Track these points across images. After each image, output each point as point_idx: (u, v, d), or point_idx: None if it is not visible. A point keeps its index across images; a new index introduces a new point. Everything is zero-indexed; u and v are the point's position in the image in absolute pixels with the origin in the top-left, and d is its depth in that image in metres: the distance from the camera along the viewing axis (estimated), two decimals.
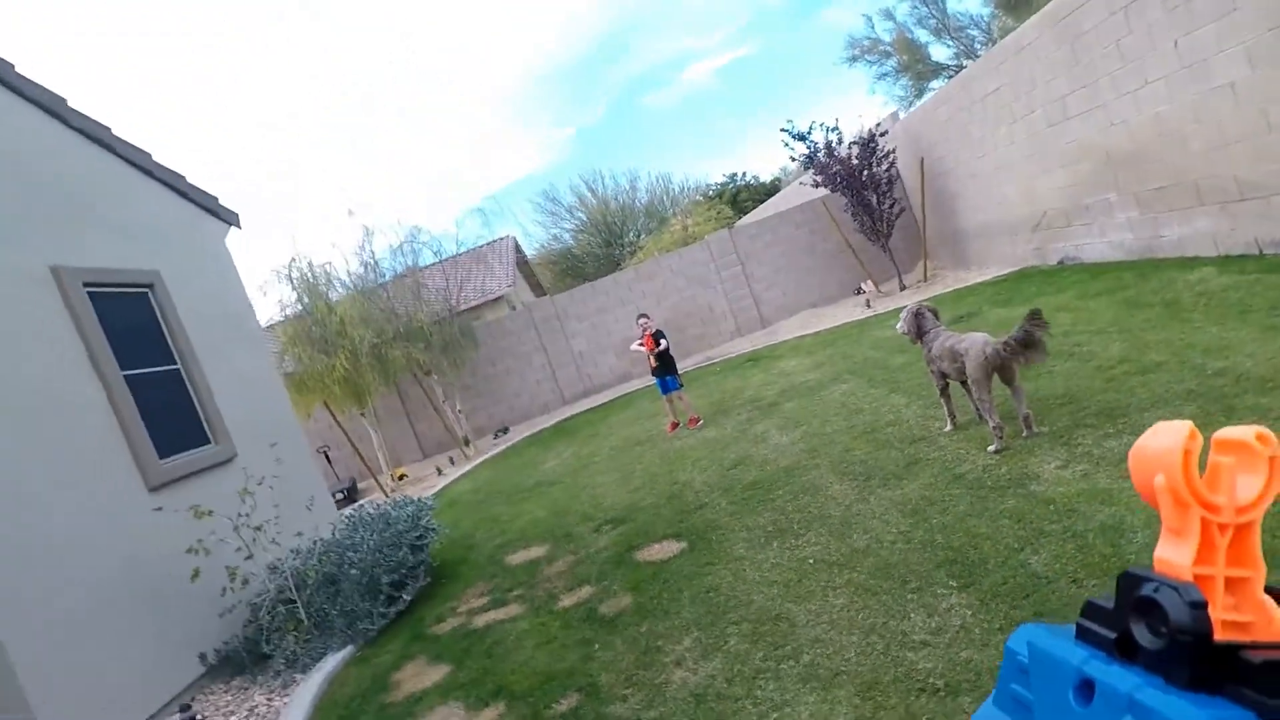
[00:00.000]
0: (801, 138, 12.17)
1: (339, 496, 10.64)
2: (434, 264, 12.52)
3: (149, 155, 5.99)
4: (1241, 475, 0.66)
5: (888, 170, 11.81)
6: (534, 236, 36.23)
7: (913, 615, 2.61)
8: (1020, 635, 0.79)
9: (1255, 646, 0.60)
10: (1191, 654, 0.60)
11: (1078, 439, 3.59)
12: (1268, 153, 5.36)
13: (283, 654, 4.46)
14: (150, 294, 5.44)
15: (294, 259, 10.99)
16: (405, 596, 4.76)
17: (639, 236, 34.20)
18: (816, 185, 12.30)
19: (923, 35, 16.09)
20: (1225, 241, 6.05)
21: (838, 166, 11.72)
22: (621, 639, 3.28)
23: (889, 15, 16.50)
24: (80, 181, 5.18)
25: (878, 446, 4.60)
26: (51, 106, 5.05)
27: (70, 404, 4.37)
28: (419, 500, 5.48)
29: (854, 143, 11.92)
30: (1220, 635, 0.61)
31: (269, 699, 4.12)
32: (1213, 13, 5.41)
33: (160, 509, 4.55)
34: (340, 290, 11.42)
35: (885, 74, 17.00)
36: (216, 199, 6.73)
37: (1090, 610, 0.72)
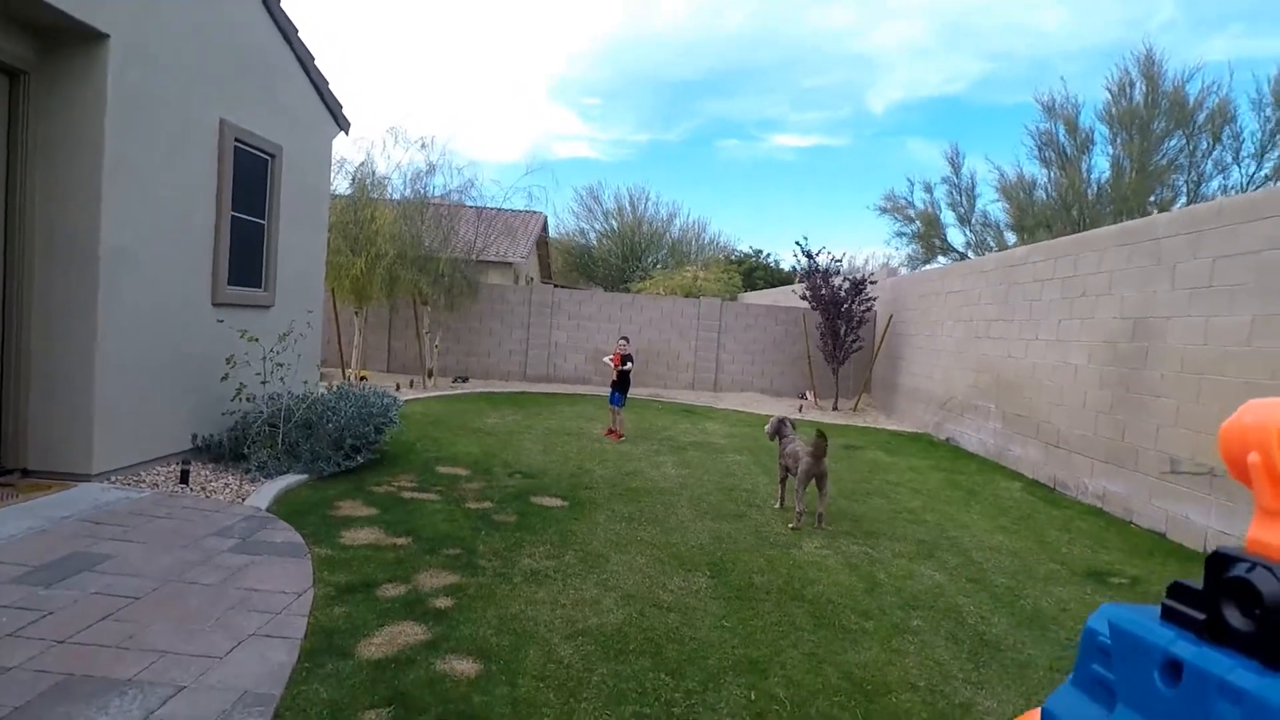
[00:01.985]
0: (809, 256, 14.04)
1: None
2: (470, 207, 14.02)
3: (312, 56, 7.54)
4: None
5: (864, 312, 13.68)
6: (563, 220, 37.80)
7: (675, 578, 4.26)
8: (1100, 615, 0.77)
9: None
10: None
11: (840, 540, 5.30)
12: (1079, 422, 7.24)
13: (256, 460, 5.93)
14: (271, 161, 6.94)
15: (363, 163, 12.50)
16: (359, 459, 6.28)
17: (655, 265, 36.01)
18: (804, 298, 14.14)
19: (948, 217, 18.37)
20: (1039, 471, 7.91)
21: (826, 290, 13.59)
22: (500, 534, 4.87)
23: (928, 189, 18.69)
24: (258, 54, 6.58)
25: (727, 499, 6.28)
26: None
27: (194, 222, 5.87)
28: (394, 396, 7.02)
29: (848, 278, 13.81)
30: None
31: (240, 484, 5.59)
32: (1080, 314, 7.33)
33: (221, 321, 6.06)
34: (386, 203, 12.89)
35: (904, 234, 19.18)
36: (341, 106, 8.28)
37: (1177, 590, 0.70)
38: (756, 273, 33.51)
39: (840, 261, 14.09)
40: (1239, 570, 0.65)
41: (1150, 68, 15.73)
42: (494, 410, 10.63)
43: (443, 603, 3.62)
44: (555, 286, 21.50)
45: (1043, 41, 38.23)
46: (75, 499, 4.59)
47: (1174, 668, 0.66)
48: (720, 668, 3.19)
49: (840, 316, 13.51)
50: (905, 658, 3.45)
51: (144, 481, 5.23)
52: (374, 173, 12.46)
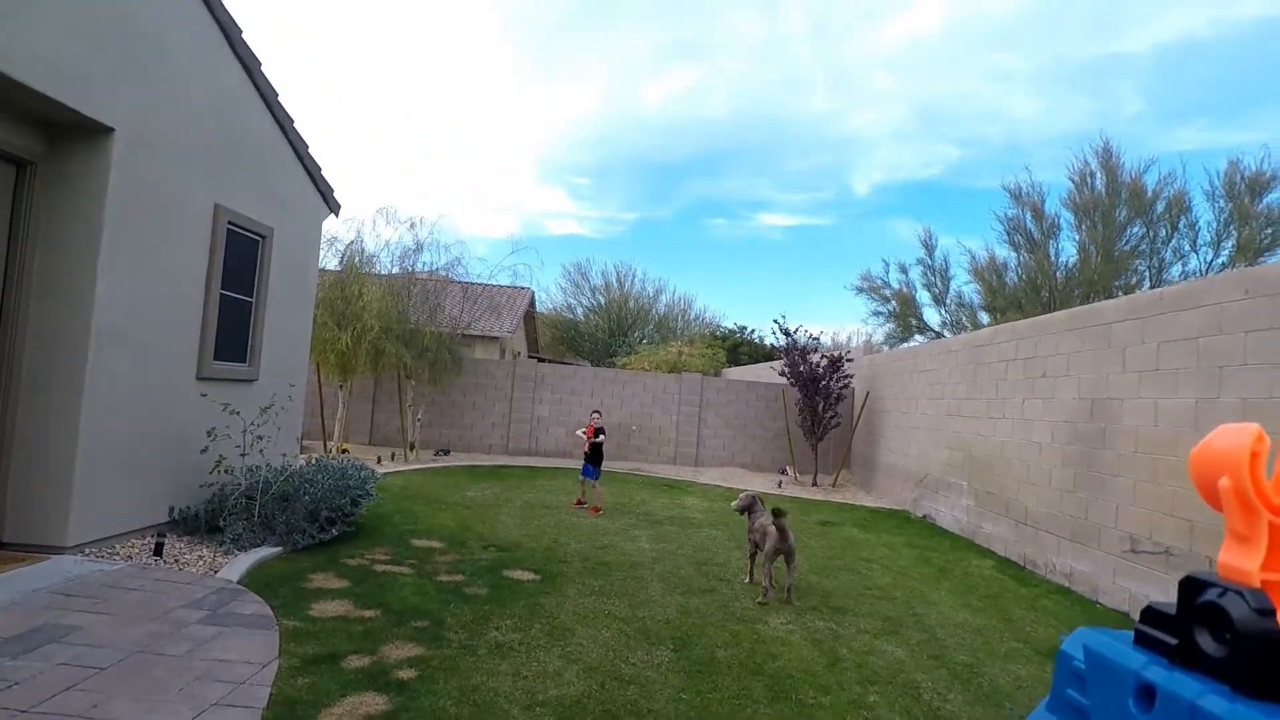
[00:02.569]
0: (787, 333, 14.43)
1: None
2: (457, 283, 14.38)
3: (306, 144, 7.98)
4: None
5: (842, 389, 13.97)
6: (551, 296, 38.54)
7: (639, 651, 4.32)
8: (1075, 639, 0.79)
9: None
10: (1258, 661, 0.58)
11: (806, 615, 5.37)
12: (1045, 500, 7.41)
13: (231, 533, 5.97)
14: (261, 242, 7.25)
15: (352, 242, 12.91)
16: (334, 531, 6.32)
17: (642, 340, 36.52)
18: (783, 375, 14.44)
19: (924, 296, 19.02)
20: (1010, 549, 8.02)
21: (804, 367, 13.91)
22: (469, 607, 4.92)
23: (903, 269, 19.40)
24: (254, 143, 6.99)
25: (698, 573, 6.34)
26: (249, 68, 6.75)
27: (184, 300, 6.10)
28: (372, 470, 7.12)
29: (825, 355, 14.16)
30: None
31: (214, 556, 5.62)
32: (1042, 394, 7.62)
33: (205, 395, 6.22)
34: (374, 279, 13.23)
35: (881, 312, 19.77)
36: (333, 190, 8.69)
37: (1150, 615, 0.72)
38: (741, 348, 33.99)
39: (818, 339, 14.48)
40: (1210, 595, 0.65)
41: (1109, 159, 16.68)
42: (474, 483, 10.67)
43: (406, 674, 3.67)
44: (538, 360, 21.81)
45: (1016, 128, 40.28)
46: (48, 571, 4.63)
47: (1147, 692, 0.65)
48: None
49: (818, 393, 13.78)
50: None
51: (118, 554, 5.26)
52: (363, 250, 12.87)
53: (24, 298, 4.98)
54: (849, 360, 14.23)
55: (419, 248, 13.28)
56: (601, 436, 9.15)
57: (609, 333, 36.98)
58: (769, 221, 61.65)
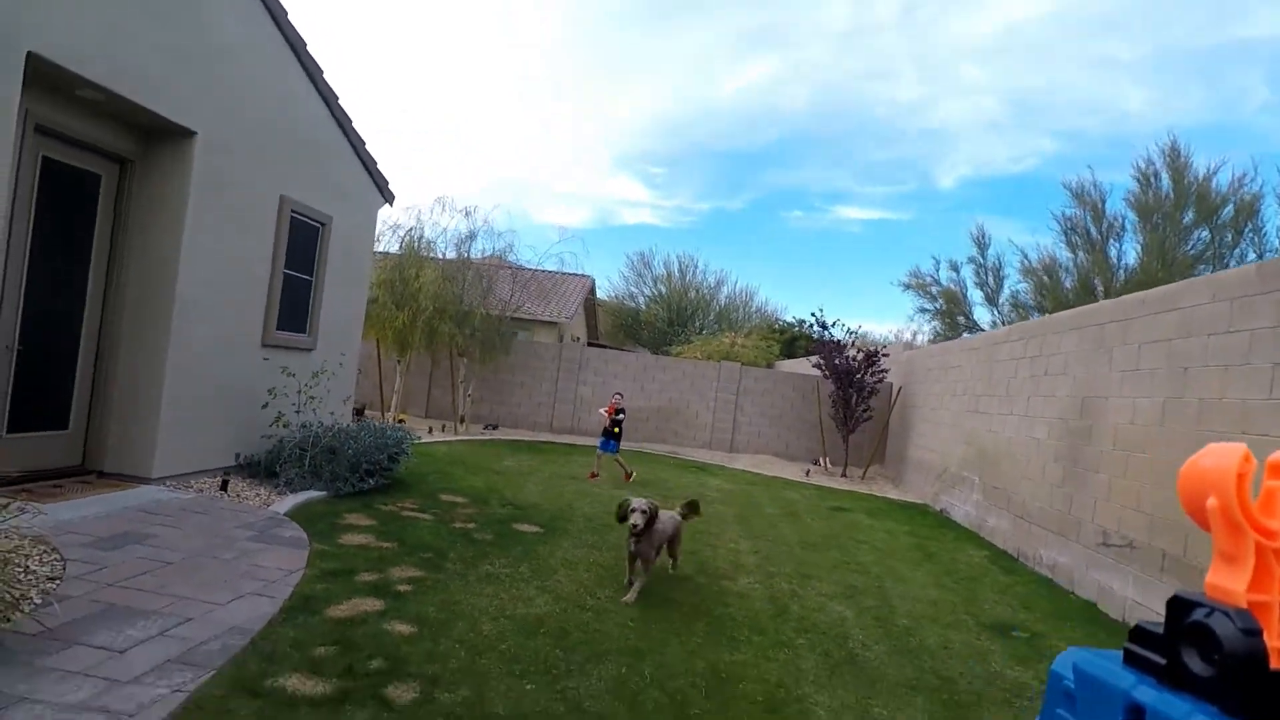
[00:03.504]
0: (824, 326, 14.75)
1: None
2: (513, 266, 15.29)
3: (363, 141, 8.92)
4: None
5: (876, 383, 14.20)
6: (613, 283, 39.52)
7: (607, 589, 4.99)
8: (1065, 659, 0.80)
9: None
10: (1245, 682, 0.59)
11: (776, 579, 5.92)
12: (1039, 494, 7.67)
13: (285, 477, 6.96)
14: (321, 229, 8.24)
15: (412, 229, 13.98)
16: (371, 482, 7.24)
17: (701, 330, 37.04)
18: (818, 368, 14.78)
19: (976, 295, 18.85)
20: (1008, 542, 8.29)
21: (838, 360, 14.22)
22: (473, 546, 5.70)
23: (955, 267, 19.25)
24: (317, 140, 7.95)
25: (691, 538, 6.94)
26: (313, 75, 7.73)
27: (255, 277, 7.11)
28: (409, 433, 8.03)
29: (860, 349, 14.42)
30: (1277, 664, 0.60)
31: (269, 495, 6.61)
32: (1044, 391, 7.85)
33: (267, 359, 7.23)
34: (431, 263, 14.26)
35: (927, 310, 19.69)
36: (387, 182, 9.64)
37: (1139, 635, 0.73)
38: (798, 342, 34.05)
39: (855, 332, 14.74)
40: (1198, 615, 0.65)
41: (1175, 159, 16.14)
42: (512, 455, 11.55)
43: (403, 588, 4.46)
44: (590, 345, 22.62)
45: (1120, 121, 38.50)
46: (137, 495, 5.66)
47: (1136, 712, 0.66)
48: (608, 651, 3.92)
49: (851, 386, 14.07)
50: (772, 662, 4.10)
51: (192, 487, 6.29)
52: (422, 235, 13.91)
53: (125, 272, 6.03)
54: (885, 355, 14.44)
55: (473, 235, 14.25)
56: (621, 415, 9.87)
57: (668, 322, 37.65)
58: (847, 214, 60.74)
